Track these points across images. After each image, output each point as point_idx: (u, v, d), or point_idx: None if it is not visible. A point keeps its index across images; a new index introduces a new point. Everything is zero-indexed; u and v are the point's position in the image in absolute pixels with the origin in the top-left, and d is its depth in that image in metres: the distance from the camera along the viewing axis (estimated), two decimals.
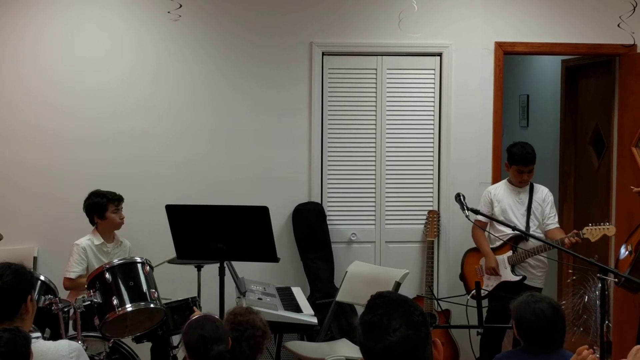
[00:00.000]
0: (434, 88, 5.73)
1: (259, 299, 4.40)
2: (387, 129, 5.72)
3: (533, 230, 5.10)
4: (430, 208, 5.76)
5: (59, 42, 5.45)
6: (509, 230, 4.94)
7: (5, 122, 5.44)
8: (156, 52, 5.55)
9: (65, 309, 3.85)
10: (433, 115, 5.75)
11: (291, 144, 5.66)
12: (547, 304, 3.21)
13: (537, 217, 5.16)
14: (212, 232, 4.14)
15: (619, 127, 5.89)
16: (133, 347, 4.37)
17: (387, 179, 5.74)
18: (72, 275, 4.69)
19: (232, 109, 5.62)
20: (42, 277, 4.03)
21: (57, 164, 5.47)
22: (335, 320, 5.19)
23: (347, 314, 5.36)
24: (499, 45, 5.71)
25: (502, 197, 5.20)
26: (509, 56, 5.92)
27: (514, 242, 5.08)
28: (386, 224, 5.77)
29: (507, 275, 5.11)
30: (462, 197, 4.60)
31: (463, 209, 4.53)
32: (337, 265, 5.65)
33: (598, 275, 3.73)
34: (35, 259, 5.35)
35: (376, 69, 5.69)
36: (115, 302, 3.92)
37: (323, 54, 5.64)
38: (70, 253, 4.75)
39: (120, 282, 3.99)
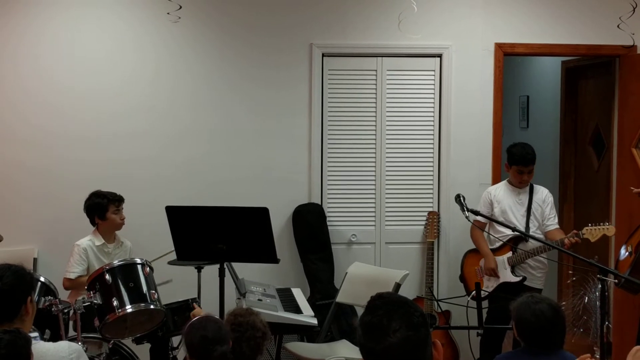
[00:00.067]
0: (434, 89, 5.74)
1: (259, 300, 4.40)
2: (387, 130, 5.72)
3: (533, 231, 5.10)
4: (430, 209, 5.76)
5: (59, 43, 5.45)
6: (508, 231, 4.94)
7: (5, 123, 5.44)
8: (156, 52, 5.55)
9: (65, 310, 3.85)
10: (433, 116, 5.75)
11: (291, 145, 5.66)
12: (547, 304, 3.22)
13: (537, 218, 5.16)
14: (212, 233, 4.14)
15: (619, 128, 5.89)
16: (133, 348, 4.37)
17: (387, 180, 5.74)
18: (72, 276, 4.69)
19: (232, 110, 5.62)
20: (42, 279, 4.03)
21: (57, 165, 5.47)
22: (335, 321, 5.19)
23: (347, 315, 5.36)
24: (499, 46, 5.72)
25: (501, 198, 5.20)
26: (509, 57, 5.93)
27: (513, 243, 5.08)
28: (386, 225, 5.77)
29: (507, 276, 5.11)
30: (462, 198, 4.59)
31: (463, 210, 4.52)
32: (337, 266, 5.65)
33: (598, 276, 3.73)
34: (35, 260, 5.35)
35: (376, 70, 5.69)
36: (115, 303, 3.92)
37: (323, 55, 5.64)
38: (70, 253, 4.75)
39: (120, 283, 4.00)
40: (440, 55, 5.71)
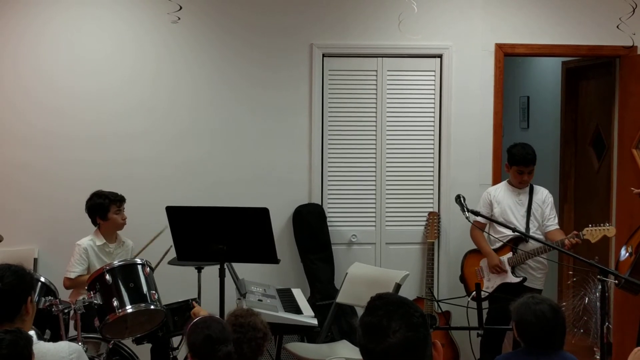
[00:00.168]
0: (434, 89, 5.74)
1: (259, 300, 4.40)
2: (388, 130, 5.72)
3: (533, 231, 5.09)
4: (431, 209, 5.76)
5: (59, 43, 5.45)
6: (508, 232, 4.94)
7: (5, 123, 5.44)
8: (156, 53, 5.55)
9: (66, 310, 3.85)
10: (433, 116, 5.75)
11: (291, 145, 5.66)
12: (548, 305, 3.22)
13: (537, 218, 5.16)
14: (213, 233, 4.14)
15: (619, 129, 5.89)
16: (133, 349, 4.37)
17: (387, 180, 5.74)
18: (72, 275, 4.69)
19: (233, 111, 5.62)
20: (42, 279, 4.03)
21: (58, 165, 5.47)
22: (335, 321, 5.19)
23: (348, 315, 5.36)
24: (499, 47, 5.72)
25: (501, 198, 5.20)
26: (509, 58, 5.93)
27: (513, 244, 5.08)
28: (386, 225, 5.77)
29: (507, 276, 5.10)
30: (462, 199, 4.59)
31: (463, 211, 4.52)
32: (337, 266, 5.65)
33: (598, 276, 3.73)
34: (35, 260, 5.36)
35: (376, 71, 5.69)
36: (115, 303, 3.92)
37: (323, 55, 5.65)
38: (72, 253, 4.75)
39: (120, 284, 4.00)
40: (440, 56, 5.71)
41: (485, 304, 4.94)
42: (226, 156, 5.63)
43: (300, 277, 5.65)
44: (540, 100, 7.43)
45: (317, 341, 4.93)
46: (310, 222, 5.61)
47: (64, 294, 4.61)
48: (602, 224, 4.83)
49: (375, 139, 5.72)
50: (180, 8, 5.17)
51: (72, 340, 3.68)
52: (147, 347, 4.47)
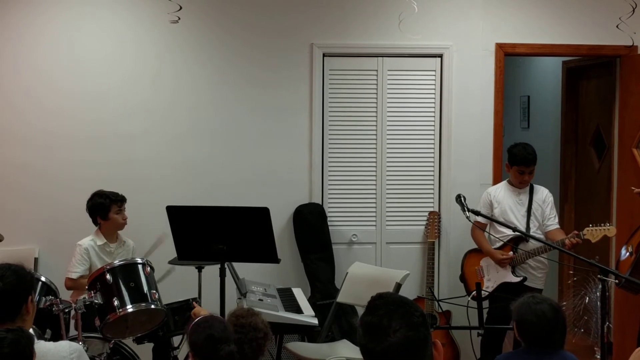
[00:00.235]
0: (434, 89, 5.74)
1: (260, 300, 4.40)
2: (388, 130, 5.72)
3: (533, 231, 5.09)
4: (431, 209, 5.76)
5: (59, 44, 5.45)
6: (509, 232, 4.94)
7: (5, 124, 5.44)
8: (156, 53, 5.55)
9: (66, 310, 3.85)
10: (434, 116, 5.75)
11: (292, 145, 5.66)
12: (548, 305, 3.22)
13: (537, 218, 5.16)
14: (213, 233, 4.15)
15: (619, 128, 5.89)
16: (134, 348, 4.37)
17: (387, 180, 5.75)
18: (74, 276, 4.69)
19: (233, 111, 5.62)
20: (42, 278, 4.04)
21: (58, 166, 5.47)
22: (335, 321, 5.19)
23: (348, 315, 5.36)
24: (500, 47, 5.72)
25: (501, 198, 5.20)
26: (509, 57, 5.92)
27: (514, 243, 5.08)
28: (387, 225, 5.77)
29: (508, 276, 5.11)
30: (462, 198, 4.60)
31: (464, 210, 4.53)
32: (337, 266, 5.65)
33: (599, 276, 3.73)
34: (36, 260, 5.36)
35: (377, 70, 5.69)
36: (116, 303, 3.92)
37: (324, 55, 5.65)
38: (73, 253, 4.76)
39: (121, 283, 4.00)
40: (441, 56, 5.71)
41: (485, 304, 4.94)
42: (226, 156, 5.63)
43: (300, 277, 5.65)
44: (540, 100, 7.43)
45: (318, 341, 4.93)
46: (311, 221, 5.61)
47: (65, 294, 4.61)
48: (602, 224, 4.83)
49: (376, 139, 5.72)
50: (180, 8, 5.17)
51: (73, 339, 3.68)
52: (148, 346, 4.47)
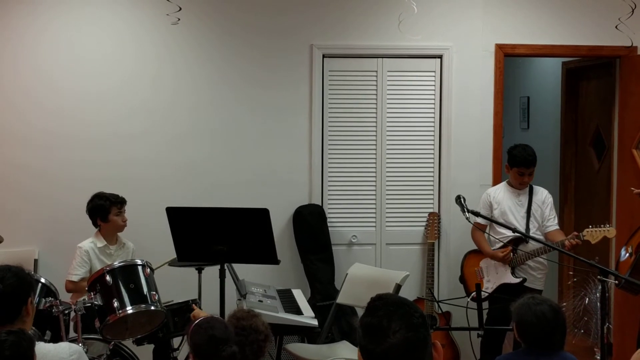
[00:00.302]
0: (434, 90, 5.74)
1: (260, 301, 4.40)
2: (388, 131, 5.72)
3: (533, 232, 5.09)
4: (431, 210, 5.76)
5: (59, 44, 5.45)
6: (509, 233, 4.94)
7: (6, 124, 5.44)
8: (156, 53, 5.55)
9: (66, 312, 3.85)
10: (433, 117, 5.75)
11: (292, 146, 5.66)
12: (548, 306, 3.22)
13: (537, 219, 5.16)
14: (213, 234, 4.15)
15: (619, 129, 5.89)
16: (134, 349, 4.37)
17: (387, 181, 5.75)
18: (75, 278, 4.69)
19: (233, 111, 5.62)
20: (42, 280, 4.03)
21: (58, 166, 5.48)
22: (335, 322, 5.19)
23: (348, 316, 5.36)
24: (500, 47, 5.72)
25: (501, 199, 5.20)
26: (509, 58, 5.92)
27: (514, 244, 5.08)
28: (387, 226, 5.77)
29: (507, 277, 5.10)
30: (462, 199, 4.59)
31: (463, 211, 4.52)
32: (337, 267, 5.65)
33: (598, 277, 3.73)
34: (36, 261, 5.35)
35: (376, 71, 5.70)
36: (115, 304, 3.92)
37: (323, 56, 5.65)
38: (73, 256, 4.75)
39: (120, 285, 3.99)
40: (440, 56, 5.71)
41: (485, 305, 4.94)
42: (226, 157, 5.63)
43: (300, 278, 5.65)
44: (540, 100, 7.43)
45: (318, 342, 4.93)
46: (311, 222, 5.61)
47: (65, 295, 4.61)
48: (602, 225, 4.83)
49: (376, 140, 5.72)
50: (180, 9, 5.18)
51: (73, 341, 3.68)
52: (148, 347, 4.47)
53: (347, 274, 5.08)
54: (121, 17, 5.50)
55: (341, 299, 4.97)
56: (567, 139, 6.83)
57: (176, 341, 4.57)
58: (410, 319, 1.96)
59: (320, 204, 5.69)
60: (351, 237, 5.75)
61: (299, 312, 4.50)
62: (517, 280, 5.08)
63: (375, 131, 5.71)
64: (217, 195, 5.47)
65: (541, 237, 5.07)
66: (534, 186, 5.24)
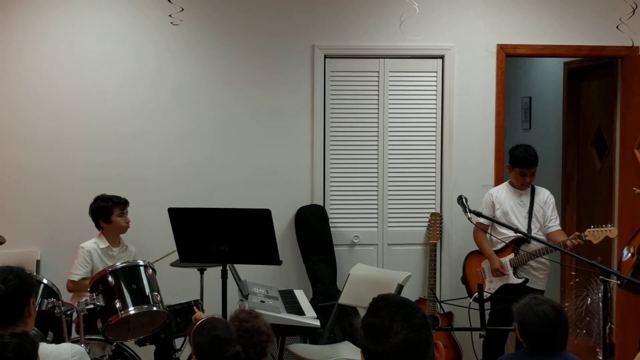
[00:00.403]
0: (436, 90, 5.74)
1: (262, 301, 4.40)
2: (390, 131, 5.72)
3: (535, 232, 5.09)
4: (433, 210, 5.76)
5: (60, 44, 5.46)
6: (510, 233, 4.94)
7: (7, 125, 5.45)
8: (157, 54, 5.55)
9: (68, 312, 3.86)
10: (435, 117, 5.75)
11: (293, 147, 5.66)
12: (550, 306, 3.22)
13: (539, 219, 5.16)
14: (215, 235, 4.15)
15: (621, 129, 5.88)
16: (136, 350, 4.37)
17: (389, 181, 5.74)
18: (76, 278, 4.70)
19: (234, 112, 5.63)
20: (45, 281, 4.04)
21: (59, 167, 5.48)
22: (337, 322, 5.19)
23: (350, 316, 5.36)
24: (501, 48, 5.71)
25: (503, 199, 5.20)
26: (511, 58, 5.92)
27: (516, 245, 5.08)
28: (389, 226, 5.77)
29: (509, 277, 5.10)
30: (464, 200, 4.59)
31: (465, 212, 4.52)
32: (339, 267, 5.65)
33: (600, 277, 3.73)
34: (38, 262, 5.36)
35: (378, 72, 5.69)
36: (118, 305, 3.92)
37: (325, 56, 5.65)
38: (75, 256, 4.76)
39: (123, 285, 4.00)
40: (442, 57, 5.71)
41: (487, 305, 4.93)
42: (228, 157, 5.63)
43: (302, 279, 5.65)
44: (542, 100, 7.43)
45: (320, 342, 4.93)
46: (313, 223, 5.61)
47: (67, 296, 4.62)
48: (604, 225, 4.83)
49: (377, 140, 5.72)
50: (182, 10, 5.18)
51: (75, 342, 3.68)
52: (150, 348, 4.47)
53: (349, 274, 5.08)
54: (121, 18, 5.51)
55: (343, 300, 4.97)
56: (569, 139, 6.82)
57: (178, 342, 4.57)
58: (412, 320, 1.96)
59: (322, 205, 5.69)
60: (353, 237, 5.75)
61: (301, 312, 4.51)
62: (519, 281, 5.07)
63: (377, 132, 5.71)
64: (218, 196, 5.47)
65: (543, 238, 5.07)
66: (535, 186, 5.24)
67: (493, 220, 4.96)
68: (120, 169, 5.50)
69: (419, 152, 5.76)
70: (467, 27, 5.69)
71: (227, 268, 4.20)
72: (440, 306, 5.36)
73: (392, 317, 1.96)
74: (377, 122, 5.71)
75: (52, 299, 3.82)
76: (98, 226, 4.86)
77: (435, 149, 5.76)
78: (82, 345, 3.62)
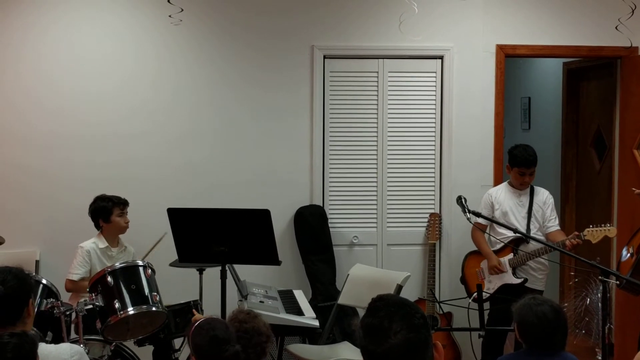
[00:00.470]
0: (435, 91, 5.74)
1: (261, 302, 4.40)
2: (389, 131, 5.72)
3: (534, 232, 5.10)
4: (432, 211, 5.76)
5: (60, 45, 5.46)
6: (509, 233, 4.94)
7: (5, 124, 5.44)
8: (157, 54, 5.55)
9: (67, 313, 3.86)
10: (434, 117, 5.75)
11: (293, 147, 5.67)
12: (549, 306, 3.22)
13: (538, 219, 5.16)
14: (214, 235, 4.15)
15: (620, 129, 5.89)
16: (135, 350, 4.37)
17: (388, 181, 5.75)
18: (75, 277, 4.70)
19: (234, 112, 5.63)
20: (44, 281, 4.04)
21: (60, 167, 5.48)
22: (337, 323, 5.19)
23: (349, 316, 5.36)
24: (501, 48, 5.72)
25: (502, 199, 5.20)
26: (510, 59, 5.92)
27: (514, 245, 5.08)
28: (388, 226, 5.77)
29: (509, 277, 5.10)
30: (463, 200, 4.59)
31: (464, 212, 4.53)
32: (338, 268, 5.65)
33: (600, 277, 3.73)
34: (37, 262, 5.36)
35: (377, 72, 5.70)
36: (117, 305, 3.93)
37: (324, 57, 5.65)
38: (74, 255, 4.76)
39: (122, 286, 4.00)
40: (441, 57, 5.71)
41: (486, 305, 4.94)
42: (227, 157, 5.63)
43: (301, 279, 5.65)
44: (541, 101, 7.43)
45: (319, 342, 4.93)
46: (312, 223, 5.61)
47: (66, 296, 4.62)
48: (603, 225, 4.83)
49: (377, 141, 5.72)
50: (182, 10, 5.18)
51: (74, 342, 3.68)
52: (149, 348, 4.48)
53: (348, 274, 5.08)
54: (121, 18, 5.51)
55: (342, 300, 4.97)
56: (568, 140, 6.83)
57: (177, 342, 4.57)
58: (411, 320, 1.96)
59: (322, 205, 5.69)
60: (352, 237, 5.75)
61: (300, 312, 4.51)
62: (519, 281, 5.08)
63: (377, 132, 5.71)
64: (217, 196, 5.47)
65: (542, 238, 5.07)
66: (535, 187, 5.24)
67: (492, 220, 4.96)
68: (120, 169, 5.50)
69: (418, 152, 5.77)
70: (466, 28, 5.70)
71: (227, 268, 4.20)
72: (440, 306, 5.36)
73: (391, 317, 1.96)
74: (377, 123, 5.71)
75: (51, 299, 3.82)
76: (97, 226, 4.86)
77: (434, 149, 5.76)
78: (81, 345, 3.63)
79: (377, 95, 5.70)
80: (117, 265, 4.12)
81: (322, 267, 5.60)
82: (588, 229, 4.82)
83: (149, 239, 5.14)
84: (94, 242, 4.79)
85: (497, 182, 5.68)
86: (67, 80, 5.47)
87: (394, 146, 5.73)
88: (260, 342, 3.01)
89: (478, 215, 4.65)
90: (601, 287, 3.74)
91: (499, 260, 5.11)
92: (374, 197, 5.75)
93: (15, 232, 5.28)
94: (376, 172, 5.73)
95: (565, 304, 5.86)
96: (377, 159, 5.73)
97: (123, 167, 5.51)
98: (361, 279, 4.96)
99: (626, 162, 5.73)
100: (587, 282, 5.68)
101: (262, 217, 4.13)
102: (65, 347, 2.94)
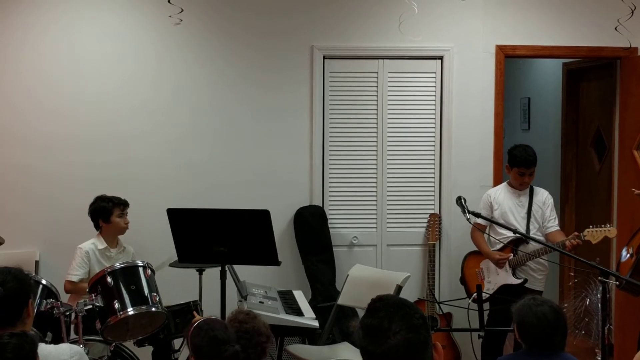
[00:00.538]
0: (435, 91, 5.74)
1: (261, 302, 4.40)
2: (389, 132, 5.72)
3: (533, 233, 5.09)
4: (432, 211, 5.77)
5: (60, 45, 5.46)
6: (509, 233, 4.94)
7: (6, 124, 5.44)
8: (157, 54, 5.55)
9: (67, 313, 3.85)
10: (434, 118, 5.75)
11: (293, 148, 5.67)
12: (549, 307, 3.22)
13: (537, 219, 5.16)
14: (214, 235, 4.15)
15: (620, 130, 5.89)
16: (135, 351, 4.37)
17: (388, 182, 5.75)
18: (74, 279, 4.70)
19: (234, 113, 5.63)
20: (43, 281, 4.03)
21: (59, 167, 5.48)
22: (336, 323, 5.19)
23: (349, 317, 5.36)
24: (500, 49, 5.72)
25: (502, 200, 5.20)
26: (510, 59, 5.92)
27: (514, 245, 5.08)
28: (387, 227, 5.77)
29: (508, 278, 5.10)
30: (463, 200, 4.59)
31: (464, 212, 4.52)
32: (338, 268, 5.65)
33: (599, 278, 3.73)
34: (37, 262, 5.36)
35: (377, 73, 5.70)
36: (116, 305, 3.92)
37: (324, 57, 5.65)
38: (73, 256, 4.76)
39: (121, 286, 4.00)
40: (441, 57, 5.71)
41: (486, 306, 4.94)
42: (227, 158, 5.63)
43: (301, 279, 5.65)
44: (541, 101, 7.43)
45: (319, 343, 4.93)
46: (312, 223, 5.61)
47: (66, 297, 4.61)
48: (603, 225, 4.83)
49: (377, 141, 5.72)
50: (182, 10, 5.18)
51: (74, 342, 3.68)
52: (149, 349, 4.47)
53: (348, 275, 5.08)
54: (121, 18, 5.51)
55: (342, 300, 4.97)
56: (568, 140, 6.83)
57: (177, 342, 4.57)
58: (410, 320, 1.96)
59: (321, 205, 5.69)
60: (352, 238, 5.75)
61: (299, 313, 4.51)
62: (518, 281, 5.08)
63: (376, 132, 5.72)
64: (217, 196, 5.47)
65: (541, 238, 5.07)
66: (534, 187, 5.24)
67: (491, 220, 4.96)
68: (120, 169, 5.50)
69: (418, 152, 5.77)
70: (466, 28, 5.70)
71: (226, 269, 4.20)
72: (439, 307, 5.36)
73: (390, 317, 1.96)
74: (376, 123, 5.71)
75: (51, 300, 3.82)
76: (97, 226, 4.86)
77: (434, 150, 5.76)
78: (81, 345, 3.62)
79: (377, 95, 5.70)
80: (117, 265, 4.12)
81: (321, 267, 5.60)
82: (588, 230, 4.82)
83: (148, 239, 5.16)
84: (92, 243, 4.79)
85: (496, 182, 5.68)
86: (67, 81, 5.47)
87: (393, 146, 5.73)
88: (260, 343, 3.01)
89: (478, 215, 4.65)
90: (601, 288, 3.73)
91: (499, 253, 5.09)
92: (374, 198, 5.75)
93: (15, 232, 5.28)
94: (376, 173, 5.73)
95: (565, 305, 5.86)
96: (376, 160, 5.73)
97: (123, 168, 5.51)
98: (361, 280, 4.96)
99: (626, 162, 5.74)
100: (586, 283, 5.68)
101: (261, 218, 4.14)
102: (64, 347, 2.94)
